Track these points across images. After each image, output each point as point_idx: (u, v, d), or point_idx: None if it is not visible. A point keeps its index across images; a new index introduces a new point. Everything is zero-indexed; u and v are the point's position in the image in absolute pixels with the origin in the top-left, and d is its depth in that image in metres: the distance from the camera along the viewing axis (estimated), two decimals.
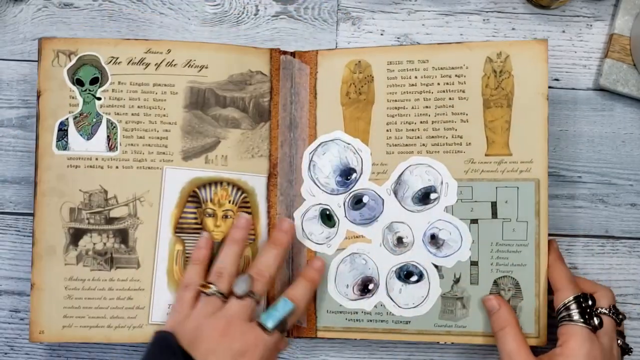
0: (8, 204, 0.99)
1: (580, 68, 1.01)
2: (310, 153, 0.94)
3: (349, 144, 0.93)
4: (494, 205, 0.90)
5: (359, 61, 0.94)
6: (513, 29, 1.00)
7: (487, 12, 1.01)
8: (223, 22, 1.00)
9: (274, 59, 0.94)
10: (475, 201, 0.90)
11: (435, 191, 0.92)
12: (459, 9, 1.01)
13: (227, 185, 0.92)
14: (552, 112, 0.99)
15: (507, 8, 1.01)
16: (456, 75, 0.91)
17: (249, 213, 0.92)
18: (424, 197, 0.92)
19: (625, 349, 0.88)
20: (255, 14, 1.01)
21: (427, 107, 0.92)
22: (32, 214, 0.94)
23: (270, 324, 0.82)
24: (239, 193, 0.92)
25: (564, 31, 1.01)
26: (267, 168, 0.93)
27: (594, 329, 0.82)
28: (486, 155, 0.90)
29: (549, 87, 0.97)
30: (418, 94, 0.92)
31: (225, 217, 0.92)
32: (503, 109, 0.89)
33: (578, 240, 0.99)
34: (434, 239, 0.92)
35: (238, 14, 1.00)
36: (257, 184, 0.93)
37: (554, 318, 0.86)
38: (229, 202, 0.92)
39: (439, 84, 0.91)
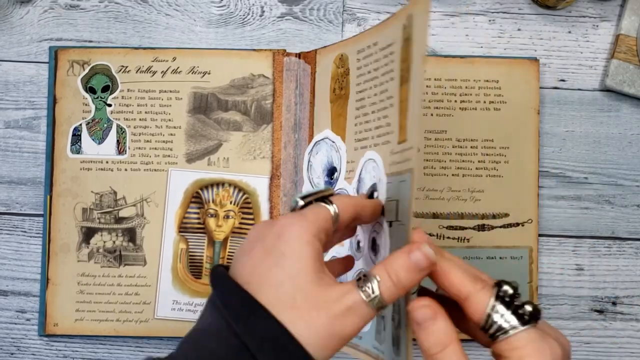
0: (14, 204, 1.11)
1: (586, 69, 1.12)
2: (309, 153, 1.07)
3: (333, 142, 1.03)
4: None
5: (342, 55, 1.02)
6: (519, 29, 1.12)
7: (492, 12, 1.12)
8: (228, 24, 1.12)
9: (276, 61, 1.09)
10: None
11: (376, 189, 0.85)
12: (465, 9, 1.12)
13: (228, 186, 1.08)
14: (558, 113, 1.12)
15: (512, 8, 1.12)
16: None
17: (250, 214, 1.08)
18: (370, 197, 0.86)
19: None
20: (261, 15, 1.13)
21: (378, 95, 0.87)
22: (39, 215, 1.10)
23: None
24: (240, 194, 1.08)
25: (570, 32, 1.12)
26: (269, 169, 1.08)
27: (535, 321, 0.67)
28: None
29: (555, 88, 1.11)
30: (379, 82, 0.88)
31: (227, 217, 1.08)
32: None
33: (584, 241, 1.11)
34: (374, 244, 0.84)
35: (243, 15, 1.13)
36: (258, 185, 1.08)
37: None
38: (230, 202, 1.08)
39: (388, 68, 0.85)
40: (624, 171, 1.12)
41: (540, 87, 1.11)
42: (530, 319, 0.66)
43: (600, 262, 1.11)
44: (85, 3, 1.13)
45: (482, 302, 0.67)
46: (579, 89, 1.13)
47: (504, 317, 0.66)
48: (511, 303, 0.67)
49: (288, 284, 0.65)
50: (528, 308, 0.67)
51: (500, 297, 0.67)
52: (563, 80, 1.13)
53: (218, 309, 0.66)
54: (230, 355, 0.64)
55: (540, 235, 1.10)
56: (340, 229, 0.74)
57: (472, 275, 0.69)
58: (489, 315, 0.67)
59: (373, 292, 0.65)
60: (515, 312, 0.66)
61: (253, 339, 0.63)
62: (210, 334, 0.66)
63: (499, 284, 0.68)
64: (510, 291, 0.67)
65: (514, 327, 0.66)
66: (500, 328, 0.66)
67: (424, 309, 0.67)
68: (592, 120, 1.12)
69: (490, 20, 1.13)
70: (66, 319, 1.08)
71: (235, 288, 0.66)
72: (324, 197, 0.73)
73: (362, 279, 0.66)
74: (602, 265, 1.11)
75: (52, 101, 1.09)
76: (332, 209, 0.71)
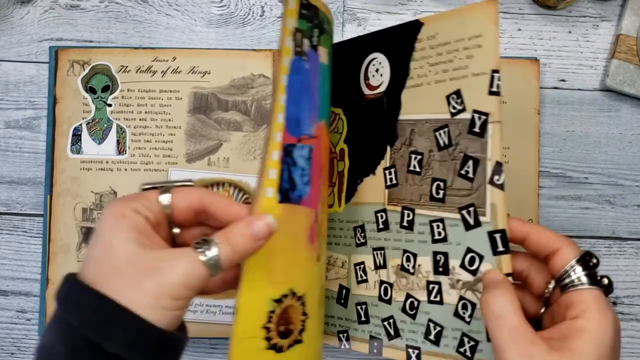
0: (15, 204, 1.11)
1: (586, 69, 1.12)
2: None
3: None
4: None
5: None
6: (519, 29, 1.12)
7: None
8: (229, 24, 1.13)
9: (277, 61, 1.10)
10: None
11: None
12: None
13: (228, 186, 1.07)
14: (559, 113, 1.11)
15: (513, 8, 1.12)
16: None
17: None
18: None
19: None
20: (261, 15, 1.13)
21: None
22: (39, 215, 1.10)
23: None
24: (241, 194, 1.07)
25: (570, 32, 1.12)
26: None
27: (607, 292, 0.75)
28: None
29: (556, 88, 1.11)
30: None
31: None
32: None
33: (585, 241, 1.11)
34: None
35: (244, 15, 1.13)
36: None
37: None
38: None
39: None
40: (624, 171, 1.12)
41: (541, 87, 1.11)
42: (603, 287, 0.73)
43: (601, 262, 1.07)
44: (85, 3, 1.13)
45: (567, 256, 0.74)
46: (579, 89, 1.12)
47: (577, 275, 0.73)
48: (591, 269, 0.74)
49: (107, 257, 0.66)
50: (605, 280, 0.74)
51: (584, 260, 0.74)
52: (563, 80, 1.12)
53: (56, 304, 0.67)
54: (61, 340, 0.65)
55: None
56: (181, 219, 0.74)
57: (561, 236, 0.76)
58: (568, 270, 0.74)
59: (212, 254, 0.68)
60: (589, 276, 0.73)
61: (76, 316, 0.64)
62: (50, 328, 0.67)
63: (587, 252, 0.75)
64: (595, 261, 0.75)
65: (583, 284, 0.72)
66: (572, 281, 0.73)
67: (492, 273, 0.77)
68: (592, 120, 1.12)
69: None
70: None
71: (65, 280, 0.68)
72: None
73: (201, 242, 0.68)
74: (603, 265, 1.09)
75: (52, 101, 1.09)
76: (165, 196, 0.72)
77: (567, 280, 0.74)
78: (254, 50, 1.10)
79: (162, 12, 1.13)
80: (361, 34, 1.09)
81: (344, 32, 1.13)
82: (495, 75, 0.77)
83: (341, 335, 0.95)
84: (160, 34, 1.13)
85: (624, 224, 1.12)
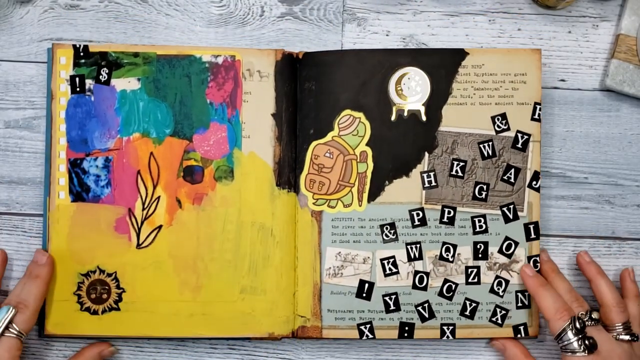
0: (15, 204, 1.10)
1: (586, 69, 1.12)
2: None
3: None
4: None
5: None
6: (519, 29, 1.12)
7: (492, 12, 1.12)
8: (228, 23, 1.12)
9: (54, 100, 1.09)
10: None
11: None
12: (465, 9, 1.12)
13: None
14: (559, 113, 1.11)
15: (512, 8, 1.12)
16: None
17: None
18: None
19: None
20: (261, 15, 1.12)
21: None
22: (39, 215, 1.09)
23: None
24: None
25: (570, 32, 1.12)
26: None
27: (590, 350, 0.95)
28: None
29: (556, 88, 1.11)
30: None
31: None
32: None
33: (584, 241, 1.11)
34: None
35: (243, 15, 1.12)
36: None
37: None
38: None
39: None
40: (624, 171, 1.11)
41: (540, 87, 1.09)
42: (588, 350, 0.96)
43: (600, 262, 1.09)
44: (85, 3, 1.12)
45: (555, 328, 0.98)
46: (579, 89, 1.12)
47: (564, 342, 0.97)
48: (579, 332, 0.96)
49: None
50: (587, 342, 0.96)
51: (570, 328, 0.97)
52: (563, 80, 1.12)
53: None
54: None
55: (540, 235, 1.09)
56: None
57: (558, 305, 0.99)
58: (559, 335, 0.98)
59: (16, 329, 0.97)
60: (581, 339, 0.96)
61: None
62: None
63: (573, 318, 0.97)
64: (578, 326, 0.96)
65: (573, 352, 0.96)
66: (563, 347, 0.98)
67: (497, 344, 1.08)
68: (592, 120, 1.12)
69: (490, 20, 1.12)
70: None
71: None
72: None
73: None
74: (602, 265, 1.08)
75: (46, 97, 1.08)
76: None
77: (560, 345, 0.99)
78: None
79: (162, 12, 1.12)
80: (361, 34, 1.12)
81: (344, 32, 1.13)
82: (538, 106, 1.05)
83: (362, 327, 1.06)
84: (160, 33, 1.12)
85: (624, 224, 1.11)
